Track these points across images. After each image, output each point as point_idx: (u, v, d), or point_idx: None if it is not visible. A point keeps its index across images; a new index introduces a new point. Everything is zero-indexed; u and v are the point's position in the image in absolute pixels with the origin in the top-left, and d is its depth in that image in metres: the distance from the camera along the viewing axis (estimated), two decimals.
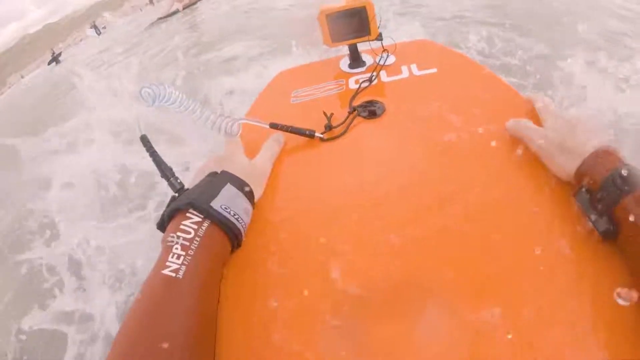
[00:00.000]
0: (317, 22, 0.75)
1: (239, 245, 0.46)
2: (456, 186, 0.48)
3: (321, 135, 0.62)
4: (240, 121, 0.62)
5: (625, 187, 0.35)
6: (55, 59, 17.99)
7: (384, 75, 0.75)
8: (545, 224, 0.41)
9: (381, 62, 0.76)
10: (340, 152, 0.60)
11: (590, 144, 0.42)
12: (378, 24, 0.74)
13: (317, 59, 0.97)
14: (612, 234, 0.36)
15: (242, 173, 0.51)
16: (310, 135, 0.61)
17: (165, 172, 0.49)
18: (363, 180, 0.53)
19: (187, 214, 0.43)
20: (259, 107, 0.78)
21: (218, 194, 0.45)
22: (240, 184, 0.49)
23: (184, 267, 0.38)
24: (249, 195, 0.49)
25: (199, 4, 9.45)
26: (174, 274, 0.38)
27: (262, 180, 0.56)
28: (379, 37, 0.75)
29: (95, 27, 26.66)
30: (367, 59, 0.81)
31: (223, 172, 0.50)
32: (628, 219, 0.34)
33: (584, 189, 0.40)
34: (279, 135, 0.63)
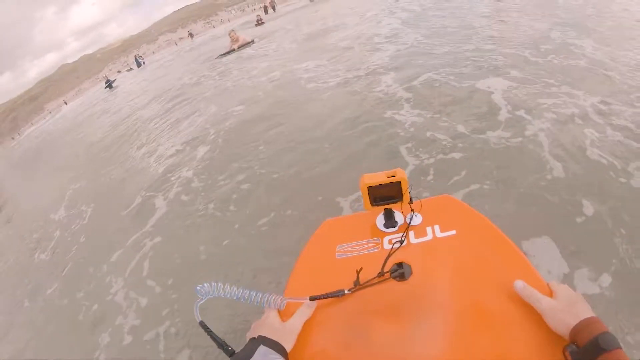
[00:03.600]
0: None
1: None
2: (469, 350, 0.64)
3: (349, 292, 0.81)
4: (287, 300, 0.82)
5: (604, 348, 0.53)
6: (109, 84, 21.27)
7: (412, 236, 0.94)
8: None
9: (410, 223, 0.96)
10: (367, 309, 0.78)
11: (585, 313, 0.61)
12: (410, 191, 0.94)
13: None
14: None
15: (273, 333, 0.71)
16: (341, 295, 0.81)
17: (221, 343, 0.69)
18: (384, 338, 0.70)
19: None
20: (308, 257, 0.97)
21: (253, 354, 0.65)
22: (272, 344, 0.68)
23: None
24: (281, 351, 0.68)
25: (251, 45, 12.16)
26: None
27: (293, 336, 0.74)
28: (410, 201, 0.96)
29: (136, 59, 28.97)
30: (399, 217, 1.00)
31: (259, 336, 0.70)
32: None
33: (574, 344, 0.58)
34: (312, 302, 0.81)
